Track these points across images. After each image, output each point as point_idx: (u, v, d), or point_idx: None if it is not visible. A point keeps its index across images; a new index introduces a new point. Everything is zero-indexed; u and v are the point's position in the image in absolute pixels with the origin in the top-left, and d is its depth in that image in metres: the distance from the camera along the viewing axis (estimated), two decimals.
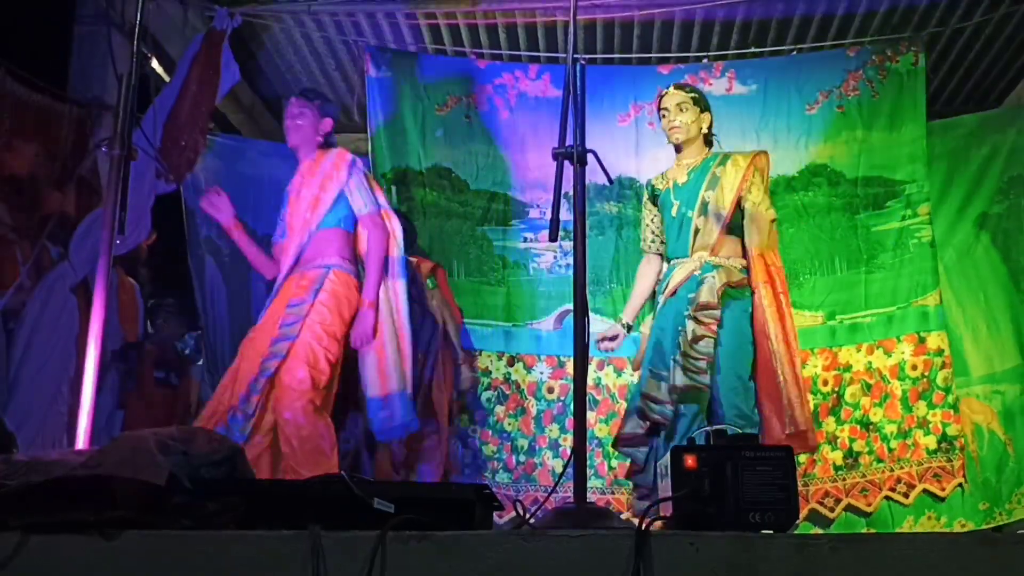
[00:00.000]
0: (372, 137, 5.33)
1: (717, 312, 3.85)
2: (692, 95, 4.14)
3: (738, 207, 4.03)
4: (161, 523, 1.74)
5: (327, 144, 4.23)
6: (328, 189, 4.06)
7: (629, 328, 4.33)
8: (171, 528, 1.74)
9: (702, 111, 4.14)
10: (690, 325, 3.86)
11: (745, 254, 4.01)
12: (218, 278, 5.40)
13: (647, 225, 4.37)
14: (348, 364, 4.06)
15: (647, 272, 4.37)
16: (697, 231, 4.03)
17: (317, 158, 4.18)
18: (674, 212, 4.11)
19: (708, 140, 4.19)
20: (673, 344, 3.90)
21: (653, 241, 4.35)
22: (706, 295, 3.87)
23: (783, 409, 3.81)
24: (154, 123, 4.38)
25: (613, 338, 4.30)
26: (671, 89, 4.18)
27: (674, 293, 4.00)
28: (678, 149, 4.18)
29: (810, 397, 5.02)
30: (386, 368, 3.99)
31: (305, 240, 4.04)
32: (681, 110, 4.10)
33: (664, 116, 4.15)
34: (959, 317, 5.14)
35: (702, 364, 3.81)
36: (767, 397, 3.88)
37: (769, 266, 4.00)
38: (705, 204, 4.03)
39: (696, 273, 3.97)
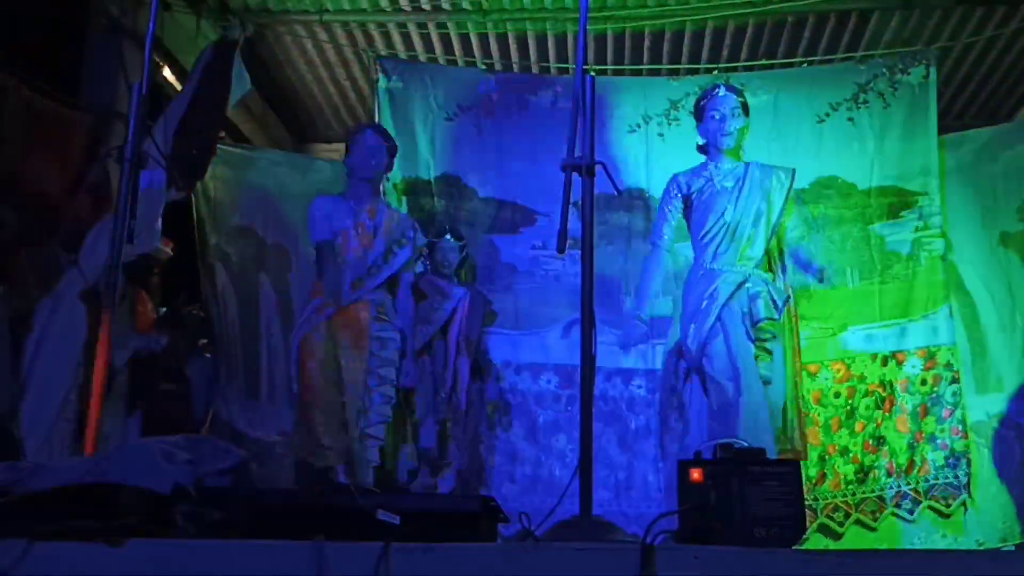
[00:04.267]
0: None
1: (775, 326, 3.88)
2: (742, 100, 4.12)
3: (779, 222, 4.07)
4: (166, 532, 1.74)
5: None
6: (400, 254, 4.39)
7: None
8: (175, 537, 1.75)
9: (748, 117, 4.15)
10: (750, 348, 3.86)
11: (771, 267, 4.07)
12: (228, 286, 5.41)
13: (668, 221, 4.26)
14: None
15: (656, 266, 4.32)
16: (749, 241, 4.00)
17: (392, 216, 4.48)
18: (728, 217, 4.04)
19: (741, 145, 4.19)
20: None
21: (669, 238, 4.28)
22: (765, 310, 3.87)
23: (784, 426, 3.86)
24: (165, 132, 4.39)
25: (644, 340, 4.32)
26: (721, 91, 4.12)
27: (725, 305, 3.92)
28: (707, 151, 4.15)
29: (820, 410, 5.02)
30: None
31: (373, 283, 4.29)
32: (734, 115, 4.07)
33: (714, 118, 4.09)
34: (996, 333, 5.09)
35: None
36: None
37: (787, 285, 4.06)
38: (760, 216, 4.02)
39: (747, 285, 3.94)
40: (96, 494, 1.73)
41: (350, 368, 4.12)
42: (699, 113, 4.15)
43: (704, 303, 3.96)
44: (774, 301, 3.90)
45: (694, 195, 4.14)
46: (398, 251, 4.38)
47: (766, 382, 3.85)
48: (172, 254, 5.18)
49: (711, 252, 4.05)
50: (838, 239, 5.18)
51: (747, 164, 4.13)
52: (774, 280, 4.05)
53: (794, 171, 4.22)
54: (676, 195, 4.22)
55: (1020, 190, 5.18)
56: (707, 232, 4.07)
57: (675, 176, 4.28)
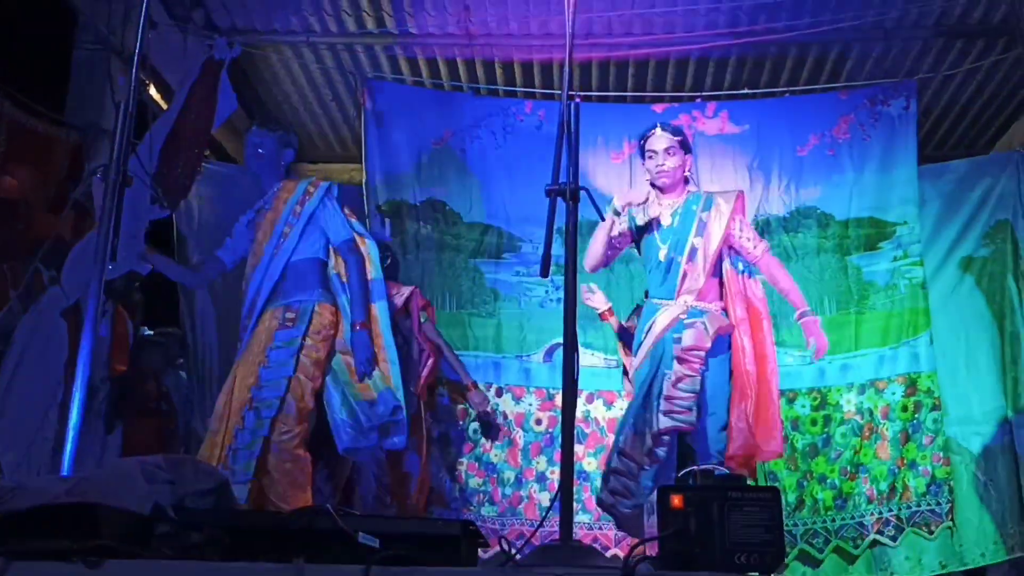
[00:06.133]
0: (367, 169, 5.36)
1: (703, 353, 3.91)
2: (678, 138, 4.20)
3: (722, 250, 4.10)
4: (144, 553, 1.73)
5: (287, 173, 4.33)
6: (300, 217, 4.08)
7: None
8: (154, 558, 1.73)
9: (686, 153, 4.23)
10: (675, 367, 3.90)
11: (723, 295, 4.07)
12: (207, 302, 5.39)
13: (608, 239, 4.26)
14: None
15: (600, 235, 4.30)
16: (685, 275, 4.06)
17: (286, 187, 4.21)
18: (662, 256, 4.12)
19: (686, 179, 4.26)
20: (658, 390, 3.92)
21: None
22: (693, 339, 3.92)
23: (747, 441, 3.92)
24: (150, 150, 4.39)
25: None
26: (657, 131, 4.21)
27: (659, 338, 4.01)
28: (661, 189, 4.22)
29: (797, 436, 5.05)
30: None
31: (278, 272, 4.03)
32: (669, 154, 4.15)
33: (651, 158, 4.19)
34: (939, 358, 5.16)
35: (687, 403, 3.86)
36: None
37: (752, 301, 4.08)
38: (694, 250, 4.07)
39: (683, 318, 4.00)
40: (75, 514, 1.71)
41: (236, 393, 3.81)
42: (641, 152, 4.25)
43: (643, 336, 4.07)
44: (706, 329, 3.93)
45: (641, 230, 4.22)
46: (296, 218, 4.03)
47: (687, 408, 3.87)
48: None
49: (655, 286, 4.16)
50: (816, 268, 5.25)
51: (688, 198, 4.18)
52: (721, 310, 4.06)
53: (739, 193, 4.28)
54: (629, 227, 4.30)
55: (991, 217, 5.27)
56: (649, 268, 4.21)
57: (628, 207, 4.34)
